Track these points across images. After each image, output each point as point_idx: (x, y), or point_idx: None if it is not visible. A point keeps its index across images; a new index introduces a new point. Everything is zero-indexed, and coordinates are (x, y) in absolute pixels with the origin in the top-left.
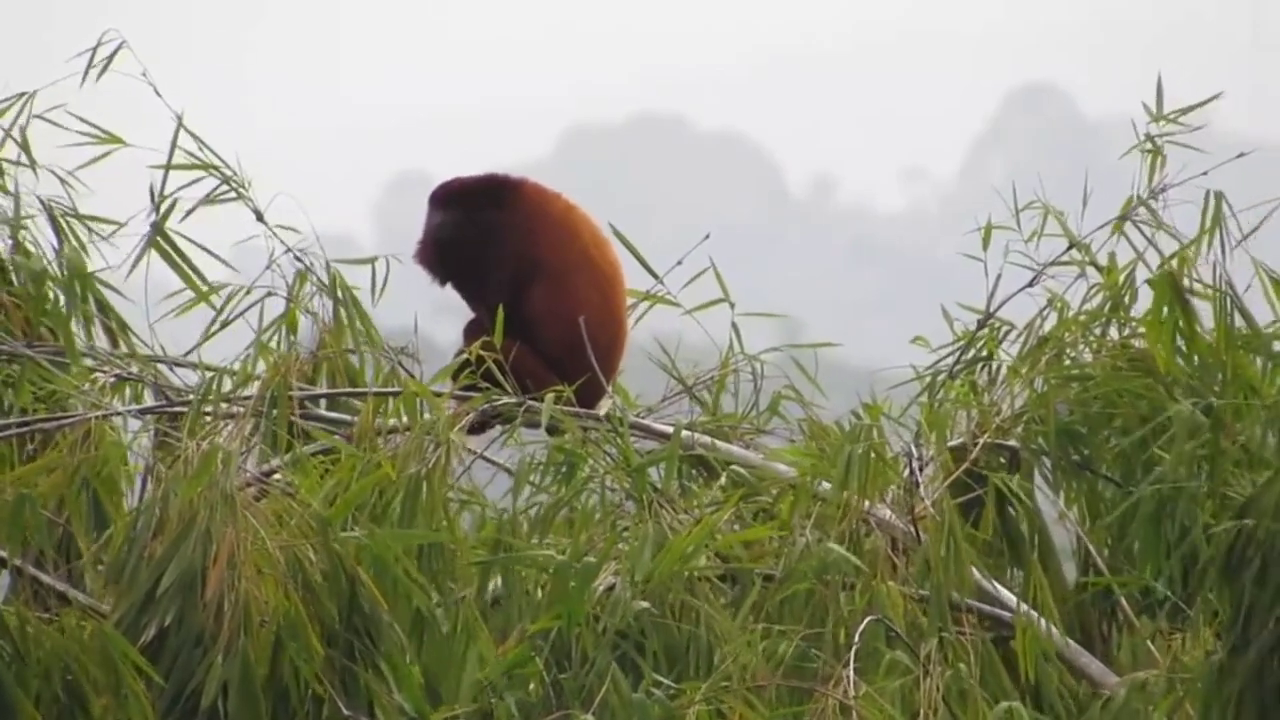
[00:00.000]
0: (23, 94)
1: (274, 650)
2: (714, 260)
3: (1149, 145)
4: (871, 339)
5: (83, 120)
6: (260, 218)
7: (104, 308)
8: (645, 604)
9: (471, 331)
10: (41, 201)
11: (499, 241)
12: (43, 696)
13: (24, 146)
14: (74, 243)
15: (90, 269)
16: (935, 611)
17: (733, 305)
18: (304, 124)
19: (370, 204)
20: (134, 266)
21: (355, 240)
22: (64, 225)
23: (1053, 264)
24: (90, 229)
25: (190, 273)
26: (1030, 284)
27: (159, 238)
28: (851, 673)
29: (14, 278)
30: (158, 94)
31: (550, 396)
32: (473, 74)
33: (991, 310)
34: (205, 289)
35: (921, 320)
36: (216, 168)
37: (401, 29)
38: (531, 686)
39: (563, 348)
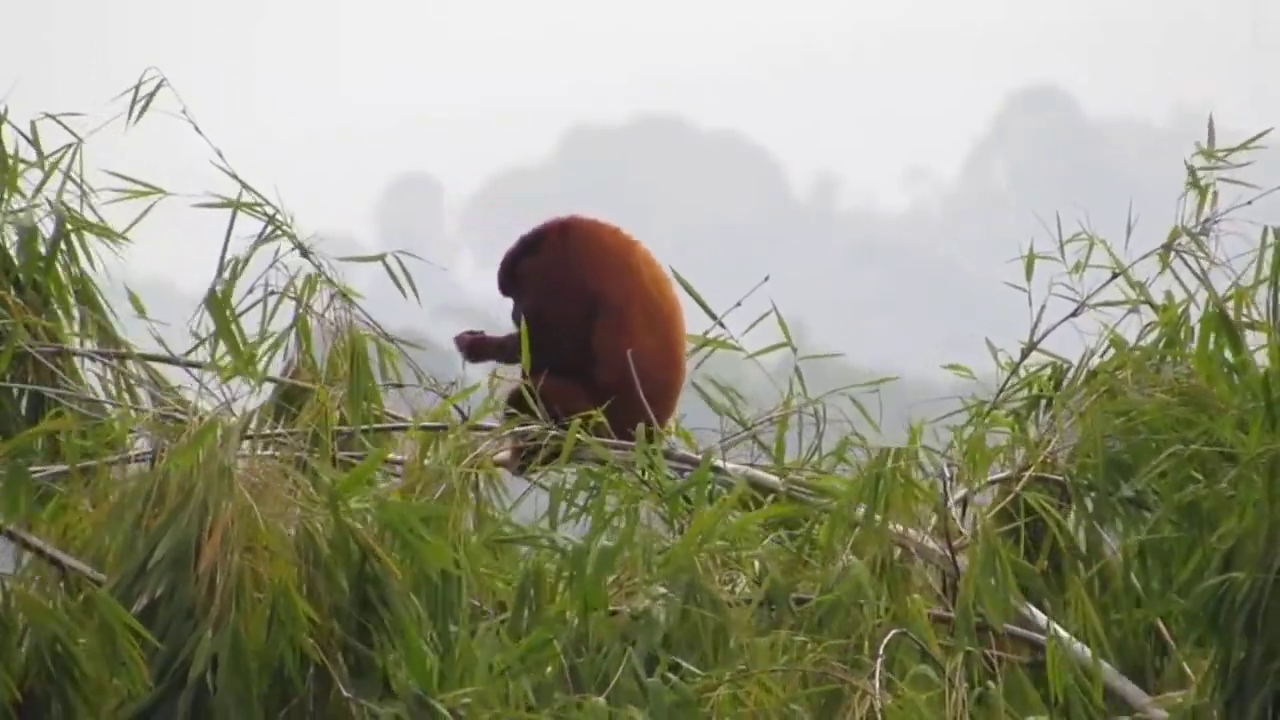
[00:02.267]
0: (69, 145)
1: (270, 625)
2: (715, 261)
3: (1194, 181)
4: (872, 339)
5: (118, 176)
6: (305, 253)
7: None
8: (664, 589)
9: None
10: (50, 203)
11: (553, 289)
12: (29, 670)
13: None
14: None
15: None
16: (961, 626)
17: (795, 349)
18: (304, 125)
19: (371, 204)
20: (199, 341)
21: (356, 241)
22: (72, 230)
23: (1099, 304)
24: (111, 244)
25: (239, 342)
26: (1074, 314)
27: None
28: (878, 678)
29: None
30: (198, 131)
31: (577, 422)
32: (473, 74)
33: (1035, 341)
34: (250, 363)
35: (922, 321)
36: (259, 206)
37: (401, 29)
38: (549, 670)
39: (621, 385)
